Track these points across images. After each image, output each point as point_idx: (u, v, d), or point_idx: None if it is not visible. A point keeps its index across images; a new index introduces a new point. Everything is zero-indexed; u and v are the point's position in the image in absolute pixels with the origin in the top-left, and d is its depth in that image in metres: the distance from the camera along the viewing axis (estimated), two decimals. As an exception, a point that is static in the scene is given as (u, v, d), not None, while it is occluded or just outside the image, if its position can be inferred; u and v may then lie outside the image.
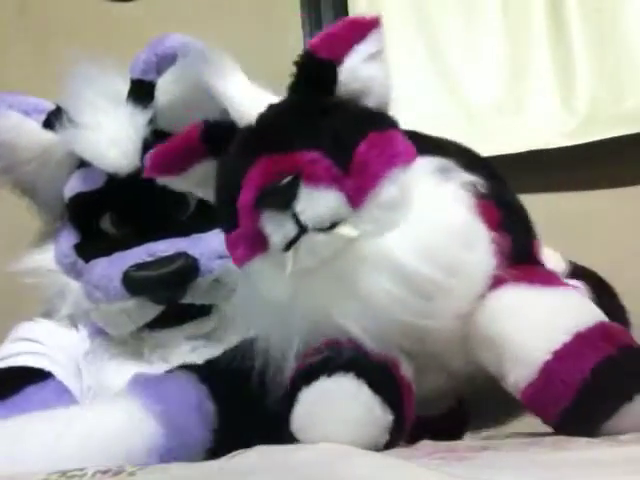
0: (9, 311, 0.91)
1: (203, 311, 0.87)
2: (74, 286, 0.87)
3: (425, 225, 0.59)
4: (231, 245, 0.64)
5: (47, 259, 0.88)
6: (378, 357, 0.58)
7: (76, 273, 0.87)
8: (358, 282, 0.58)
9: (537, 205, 1.63)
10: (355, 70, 0.65)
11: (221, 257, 0.85)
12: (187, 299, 0.84)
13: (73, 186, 0.86)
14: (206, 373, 0.69)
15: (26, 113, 0.86)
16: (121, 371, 0.82)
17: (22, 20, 1.91)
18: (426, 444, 0.59)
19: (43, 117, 0.86)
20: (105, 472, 0.49)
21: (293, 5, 1.96)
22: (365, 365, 0.57)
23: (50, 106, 0.88)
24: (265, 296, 0.62)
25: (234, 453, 0.54)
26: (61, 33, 1.88)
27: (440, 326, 0.59)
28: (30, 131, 0.85)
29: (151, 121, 0.86)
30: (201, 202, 0.90)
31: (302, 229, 0.56)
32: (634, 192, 1.68)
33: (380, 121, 0.67)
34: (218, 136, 0.67)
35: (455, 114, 1.73)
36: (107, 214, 0.87)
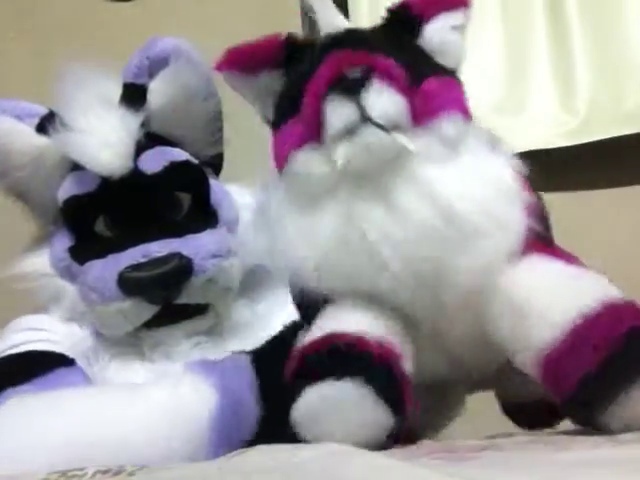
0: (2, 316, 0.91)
1: (199, 310, 0.88)
2: (69, 289, 0.87)
3: (475, 175, 0.61)
4: (281, 139, 0.64)
5: (42, 263, 0.89)
6: (382, 356, 0.58)
7: (71, 276, 0.87)
8: (400, 203, 0.58)
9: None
10: (437, 32, 0.68)
11: (215, 256, 0.86)
12: (182, 299, 0.85)
13: (67, 189, 0.86)
14: (255, 357, 0.73)
15: (19, 118, 0.86)
16: (124, 370, 0.82)
17: (22, 20, 1.91)
18: (426, 444, 0.59)
19: (36, 121, 0.86)
20: (105, 472, 0.49)
21: (293, 5, 1.96)
22: (372, 370, 0.57)
23: (43, 110, 0.88)
24: (302, 191, 0.62)
25: (234, 453, 0.54)
26: (61, 33, 1.88)
27: (465, 276, 0.58)
28: (24, 136, 0.85)
29: (143, 124, 0.86)
30: (194, 202, 0.91)
31: (364, 119, 0.57)
32: (634, 192, 1.68)
33: (451, 73, 0.70)
34: (298, 51, 0.67)
35: (455, 114, 1.73)
36: (101, 217, 0.87)
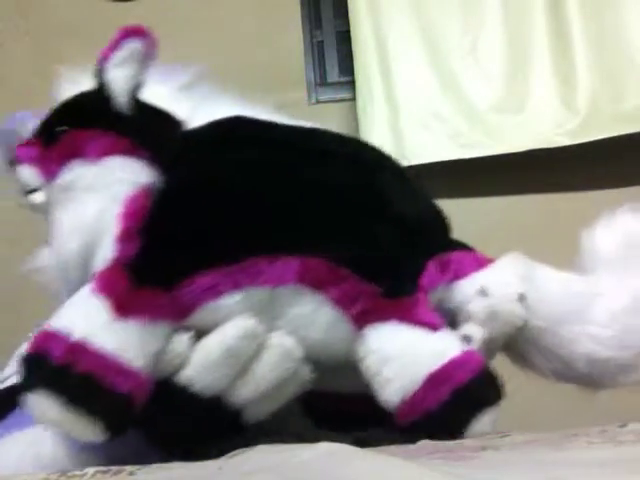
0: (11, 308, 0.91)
1: None
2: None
3: None
4: None
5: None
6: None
7: None
8: None
9: (537, 205, 1.64)
10: (107, 72, 0.71)
11: None
12: None
13: None
14: None
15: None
16: None
17: (22, 20, 1.91)
18: (426, 444, 0.59)
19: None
20: (105, 472, 0.49)
21: (293, 5, 1.96)
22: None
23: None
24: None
25: (234, 453, 0.54)
26: (61, 33, 1.88)
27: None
28: None
29: None
30: None
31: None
32: (634, 192, 1.68)
33: (86, 118, 0.70)
34: None
35: (455, 114, 1.73)
36: None
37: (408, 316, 0.61)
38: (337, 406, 0.70)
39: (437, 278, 0.66)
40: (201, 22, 1.91)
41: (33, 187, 0.69)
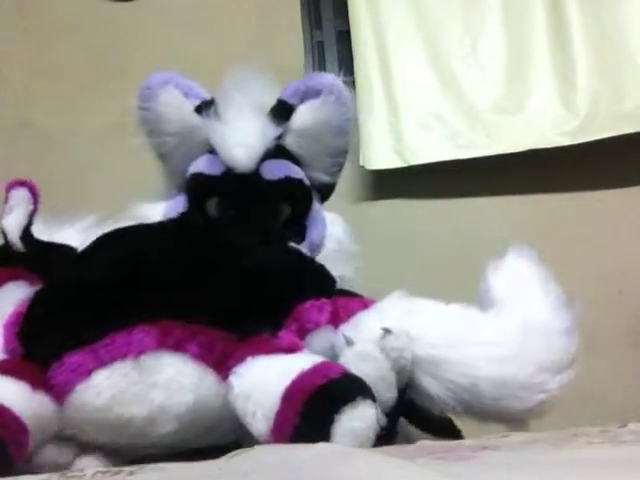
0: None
1: None
2: None
3: None
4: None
5: (153, 214, 0.97)
6: None
7: None
8: None
9: (537, 205, 1.64)
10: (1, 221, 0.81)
11: None
12: None
13: (197, 166, 0.97)
14: None
15: (186, 95, 0.99)
16: None
17: (22, 20, 1.91)
18: (426, 444, 0.59)
19: (197, 103, 0.98)
20: (105, 472, 0.49)
21: (293, 5, 1.96)
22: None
23: (206, 96, 1.00)
24: None
25: (234, 453, 0.54)
26: (61, 33, 1.88)
27: None
28: (183, 111, 0.98)
29: (279, 137, 0.97)
30: (292, 215, 0.99)
31: None
32: (634, 192, 1.68)
33: None
34: None
35: (455, 114, 1.73)
36: (214, 199, 0.96)
37: (262, 349, 0.65)
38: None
39: (316, 318, 0.71)
40: (201, 22, 1.91)
41: None
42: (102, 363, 0.63)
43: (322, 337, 0.70)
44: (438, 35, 1.79)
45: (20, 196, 0.79)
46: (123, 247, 0.74)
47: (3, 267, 0.78)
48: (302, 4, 1.97)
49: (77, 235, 0.83)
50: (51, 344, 0.65)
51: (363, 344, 0.68)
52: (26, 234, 0.78)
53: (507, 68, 1.75)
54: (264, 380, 0.62)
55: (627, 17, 1.69)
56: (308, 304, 0.71)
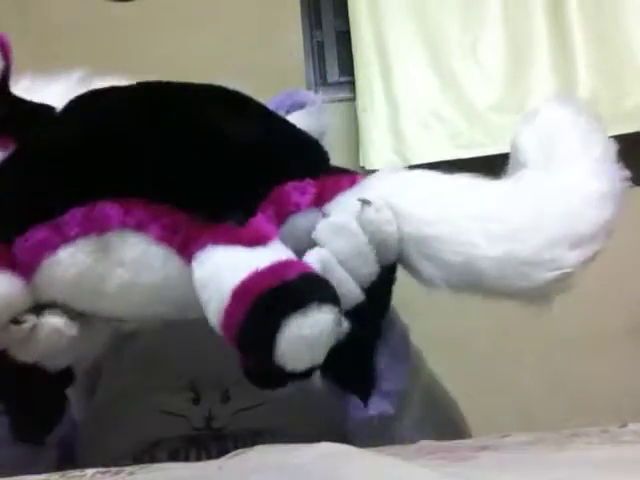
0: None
1: None
2: None
3: None
4: None
5: None
6: None
7: None
8: None
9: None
10: None
11: None
12: None
13: None
14: None
15: None
16: None
17: (22, 20, 1.91)
18: (426, 444, 0.59)
19: None
20: (105, 472, 0.49)
21: (293, 5, 1.96)
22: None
23: None
24: None
25: (234, 453, 0.54)
26: (61, 33, 1.88)
27: None
28: None
29: None
30: None
31: None
32: (634, 192, 1.68)
33: None
34: None
35: (455, 114, 1.73)
36: None
37: (224, 238, 0.60)
38: None
39: (297, 200, 0.63)
40: (201, 22, 1.91)
41: None
42: (66, 239, 0.60)
43: (303, 220, 0.63)
44: (438, 35, 1.79)
45: None
46: (94, 115, 0.67)
47: None
48: (302, 4, 1.97)
49: (64, 92, 0.75)
50: (15, 218, 0.61)
51: (337, 215, 0.61)
52: (0, 93, 0.69)
53: (507, 68, 1.75)
54: (219, 272, 0.58)
55: (627, 17, 1.69)
56: (289, 186, 0.64)
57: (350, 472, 0.42)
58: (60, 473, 0.50)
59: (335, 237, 0.60)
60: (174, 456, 0.71)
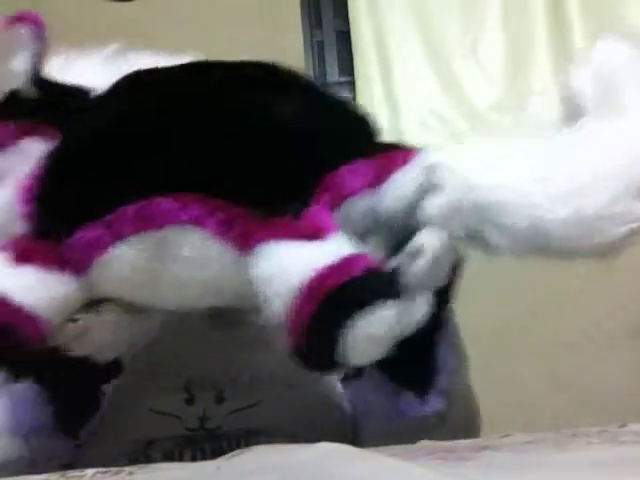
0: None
1: None
2: None
3: None
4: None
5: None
6: None
7: None
8: None
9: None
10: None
11: None
12: None
13: None
14: None
15: None
16: None
17: (22, 20, 1.91)
18: (426, 444, 0.59)
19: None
20: (105, 472, 0.49)
21: (293, 5, 1.96)
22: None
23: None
24: None
25: (233, 453, 0.54)
26: (61, 33, 1.88)
27: None
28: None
29: None
30: None
31: None
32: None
33: None
34: None
35: (455, 113, 1.73)
36: None
37: (285, 232, 0.58)
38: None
39: (351, 184, 0.61)
40: (201, 22, 1.91)
41: None
42: (120, 237, 0.58)
43: (359, 204, 0.61)
44: (438, 35, 1.79)
45: (24, 34, 0.69)
46: (141, 105, 0.65)
47: (15, 120, 0.67)
48: (302, 4, 1.97)
49: (98, 68, 0.73)
50: (64, 217, 0.60)
51: (441, 195, 0.57)
52: (37, 76, 0.67)
53: (507, 68, 1.75)
54: (283, 268, 0.57)
55: (627, 17, 1.69)
56: (342, 169, 0.61)
57: (350, 472, 0.42)
58: (60, 473, 0.50)
59: (447, 217, 0.58)
60: (169, 456, 0.71)
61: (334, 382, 0.81)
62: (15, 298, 0.56)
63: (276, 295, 0.56)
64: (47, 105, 0.67)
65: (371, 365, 0.68)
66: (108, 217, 0.58)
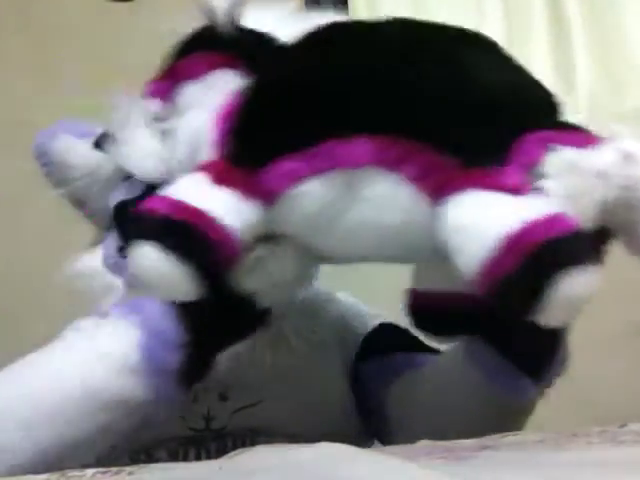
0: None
1: None
2: (117, 282, 0.91)
3: None
4: None
5: (95, 262, 0.92)
6: None
7: (119, 270, 0.91)
8: None
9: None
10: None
11: None
12: None
13: (117, 196, 0.92)
14: None
15: (81, 136, 0.95)
16: None
17: (22, 20, 1.91)
18: (426, 444, 0.59)
19: (93, 139, 0.95)
20: (105, 472, 0.49)
21: (293, 5, 1.96)
22: None
23: (99, 130, 0.96)
24: None
25: (234, 453, 0.54)
26: (61, 33, 1.88)
27: None
28: (80, 150, 0.94)
29: None
30: None
31: None
32: None
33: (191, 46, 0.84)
34: None
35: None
36: None
37: (486, 183, 0.57)
38: (441, 305, 0.67)
39: (537, 154, 0.60)
40: (201, 22, 1.91)
41: (160, 117, 0.75)
42: (314, 171, 0.59)
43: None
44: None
45: None
46: (349, 49, 0.65)
47: (211, 51, 0.74)
48: (302, 4, 1.97)
49: (276, 21, 0.76)
50: (264, 147, 0.61)
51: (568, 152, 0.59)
52: (235, 16, 0.71)
53: (507, 68, 1.75)
54: (482, 218, 0.55)
55: (627, 17, 1.69)
56: (531, 137, 0.61)
57: (350, 472, 0.43)
58: (60, 473, 0.50)
59: (566, 173, 0.58)
60: (174, 455, 0.71)
61: (337, 382, 0.82)
62: (216, 216, 0.58)
63: (467, 243, 0.55)
64: (240, 42, 0.71)
65: (495, 341, 0.70)
66: (308, 150, 0.58)
